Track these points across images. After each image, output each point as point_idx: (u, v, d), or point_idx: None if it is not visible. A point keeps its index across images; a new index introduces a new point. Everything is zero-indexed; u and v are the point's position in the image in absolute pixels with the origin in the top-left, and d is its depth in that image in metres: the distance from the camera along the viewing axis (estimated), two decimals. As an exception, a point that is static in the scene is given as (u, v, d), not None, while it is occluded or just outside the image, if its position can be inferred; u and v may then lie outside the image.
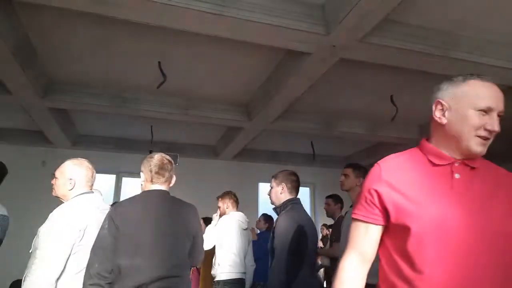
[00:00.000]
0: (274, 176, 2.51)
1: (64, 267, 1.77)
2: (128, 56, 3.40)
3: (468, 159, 1.10)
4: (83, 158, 2.18)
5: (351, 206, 2.86)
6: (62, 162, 2.13)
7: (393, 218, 1.10)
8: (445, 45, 2.99)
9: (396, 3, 2.38)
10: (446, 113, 1.11)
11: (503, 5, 2.64)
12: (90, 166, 2.13)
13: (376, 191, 1.13)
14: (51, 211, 2.00)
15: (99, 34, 3.05)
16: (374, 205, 1.13)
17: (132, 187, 6.13)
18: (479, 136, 1.07)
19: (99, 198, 2.12)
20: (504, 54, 3.14)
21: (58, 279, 1.74)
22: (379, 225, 1.14)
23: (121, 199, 6.09)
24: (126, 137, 5.82)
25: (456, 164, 1.10)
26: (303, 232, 2.25)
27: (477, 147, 1.07)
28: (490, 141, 1.10)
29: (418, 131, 5.23)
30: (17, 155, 5.54)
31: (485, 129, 1.07)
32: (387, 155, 1.14)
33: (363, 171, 2.90)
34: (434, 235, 1.03)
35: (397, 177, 1.12)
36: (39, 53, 3.39)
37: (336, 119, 4.92)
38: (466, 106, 1.08)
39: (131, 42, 3.16)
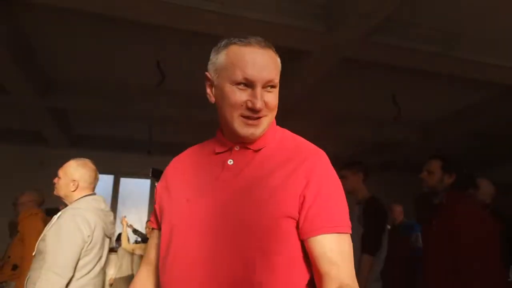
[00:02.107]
0: None
1: (74, 271, 1.79)
2: (127, 55, 3.37)
3: (249, 143, 0.91)
4: (82, 158, 2.16)
5: (358, 204, 2.76)
6: (60, 162, 2.12)
7: (159, 218, 0.98)
8: (447, 44, 2.96)
9: (398, 2, 2.36)
10: (213, 90, 0.92)
11: (505, 3, 2.61)
12: (93, 167, 2.13)
13: (157, 191, 1.01)
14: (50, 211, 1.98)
15: (99, 33, 3.02)
16: (156, 206, 1.01)
17: (130, 187, 6.11)
18: (243, 116, 0.87)
19: (102, 200, 2.12)
20: (507, 53, 3.12)
21: (68, 283, 1.76)
22: (156, 229, 1.01)
23: (119, 199, 6.06)
24: (124, 137, 5.79)
25: (236, 149, 0.92)
26: None
27: (243, 129, 0.87)
28: (264, 120, 0.88)
29: (420, 131, 5.20)
30: (15, 155, 5.51)
31: (248, 108, 0.85)
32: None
33: (359, 166, 2.78)
34: (174, 235, 0.87)
35: (174, 173, 0.99)
36: (37, 53, 3.36)
37: (337, 119, 4.89)
38: (224, 79, 0.88)
39: (130, 41, 3.13)
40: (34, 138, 5.45)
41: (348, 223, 0.88)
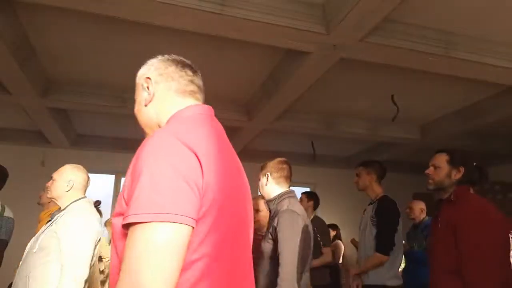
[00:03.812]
0: (261, 166, 2.32)
1: None
2: (128, 55, 3.38)
3: None
4: (82, 158, 2.26)
5: (370, 204, 2.81)
6: (61, 162, 2.21)
7: None
8: (445, 45, 2.97)
9: (397, 2, 2.36)
10: None
11: (504, 4, 2.62)
12: (86, 172, 2.26)
13: None
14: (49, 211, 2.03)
15: (99, 33, 3.03)
16: None
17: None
18: None
19: (92, 202, 2.25)
20: (505, 54, 3.13)
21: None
22: None
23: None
24: (125, 137, 5.80)
25: None
26: (308, 233, 2.08)
27: None
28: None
29: (419, 131, 5.21)
30: (16, 155, 5.53)
31: None
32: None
33: (374, 166, 2.85)
34: None
35: None
36: (38, 53, 3.37)
37: (336, 119, 4.90)
38: None
39: (130, 41, 3.14)
40: (35, 138, 5.47)
41: (144, 210, 0.71)
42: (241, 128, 4.86)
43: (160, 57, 1.11)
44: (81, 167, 2.24)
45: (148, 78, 1.06)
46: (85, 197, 2.19)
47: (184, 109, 1.00)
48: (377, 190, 2.79)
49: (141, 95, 1.07)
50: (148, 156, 0.79)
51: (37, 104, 4.07)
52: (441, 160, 2.10)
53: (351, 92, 4.13)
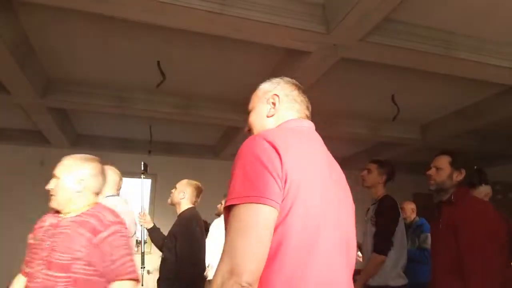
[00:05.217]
0: None
1: None
2: (128, 55, 3.38)
3: None
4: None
5: (373, 204, 2.81)
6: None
7: None
8: (446, 45, 2.97)
9: (397, 2, 2.37)
10: None
11: (504, 4, 2.62)
12: (118, 171, 2.54)
13: None
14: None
15: (99, 33, 3.03)
16: None
17: (131, 187, 6.10)
18: None
19: (122, 201, 2.44)
20: (505, 54, 3.13)
21: None
22: None
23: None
24: (125, 137, 5.80)
25: None
26: None
27: None
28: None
29: (419, 131, 5.21)
30: (16, 155, 5.52)
31: None
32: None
33: (387, 168, 2.84)
34: None
35: None
36: (38, 53, 3.37)
37: (336, 119, 4.90)
38: None
39: (130, 41, 3.14)
40: (34, 138, 5.46)
41: (236, 195, 0.90)
42: (241, 128, 4.86)
43: (284, 78, 1.28)
44: (111, 168, 2.45)
45: (276, 95, 1.22)
46: (114, 195, 2.40)
47: (288, 121, 1.18)
48: (381, 191, 2.79)
49: (263, 107, 1.23)
50: (241, 155, 0.97)
51: (37, 104, 4.06)
52: (444, 161, 2.12)
53: (351, 92, 4.13)
